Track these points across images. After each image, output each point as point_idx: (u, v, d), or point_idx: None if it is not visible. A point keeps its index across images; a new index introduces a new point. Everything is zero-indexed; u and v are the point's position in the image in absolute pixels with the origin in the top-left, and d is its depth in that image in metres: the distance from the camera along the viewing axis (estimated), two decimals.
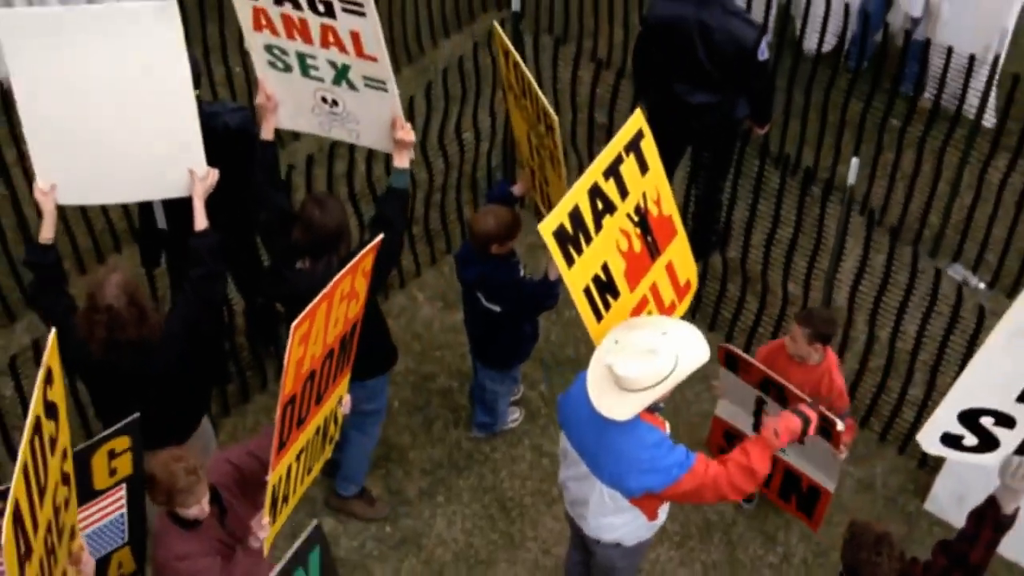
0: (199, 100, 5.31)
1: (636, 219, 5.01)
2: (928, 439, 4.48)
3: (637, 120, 4.97)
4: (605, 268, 4.90)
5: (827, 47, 7.99)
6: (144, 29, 5.05)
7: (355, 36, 5.22)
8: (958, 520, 4.83)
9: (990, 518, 4.55)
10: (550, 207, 5.56)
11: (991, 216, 7.34)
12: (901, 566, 4.69)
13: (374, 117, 5.54)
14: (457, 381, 7.01)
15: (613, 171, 4.87)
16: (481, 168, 7.66)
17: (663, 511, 5.07)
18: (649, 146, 5.02)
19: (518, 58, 5.61)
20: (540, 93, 5.49)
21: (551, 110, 5.47)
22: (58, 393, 4.03)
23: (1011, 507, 4.52)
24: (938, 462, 6.39)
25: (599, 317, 4.93)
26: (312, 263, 5.44)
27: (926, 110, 7.55)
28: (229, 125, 5.85)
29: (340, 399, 5.15)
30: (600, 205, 4.82)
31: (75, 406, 6.24)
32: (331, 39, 5.27)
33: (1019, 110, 7.20)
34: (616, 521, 5.01)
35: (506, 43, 5.69)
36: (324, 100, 5.59)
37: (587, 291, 4.85)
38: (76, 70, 5.08)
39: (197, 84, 5.35)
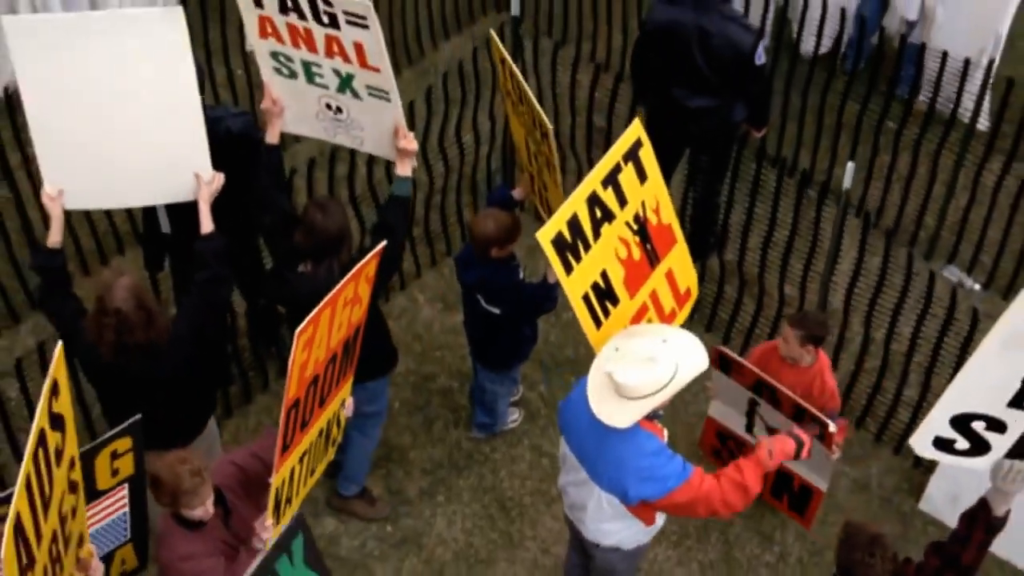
0: (202, 104, 5.38)
1: (635, 227, 5.06)
2: (920, 443, 4.55)
3: (635, 130, 5.03)
4: (604, 276, 4.95)
5: (824, 49, 8.06)
6: (150, 35, 5.12)
7: (358, 47, 5.28)
8: (952, 520, 4.87)
9: (982, 520, 4.60)
10: (550, 212, 5.64)
11: (986, 218, 7.41)
12: (894, 567, 4.73)
13: (377, 125, 5.61)
14: (457, 382, 7.06)
15: (611, 180, 4.92)
16: (481, 171, 7.72)
17: (660, 516, 5.12)
18: (648, 155, 5.08)
19: (513, 66, 5.68)
20: (534, 100, 5.55)
21: (545, 118, 5.53)
22: (64, 404, 4.07)
23: (1002, 509, 4.57)
24: (932, 463, 6.44)
25: (598, 324, 4.99)
26: (314, 266, 5.50)
27: (922, 112, 7.62)
28: (231, 129, 5.90)
29: (343, 402, 5.22)
30: (598, 213, 4.88)
31: (80, 406, 6.31)
32: (335, 49, 5.34)
33: (1013, 113, 7.26)
34: (614, 526, 5.05)
35: (502, 51, 5.75)
36: (329, 107, 5.66)
37: (586, 298, 4.90)
38: (83, 76, 5.14)
39: (201, 89, 5.42)
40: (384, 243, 4.84)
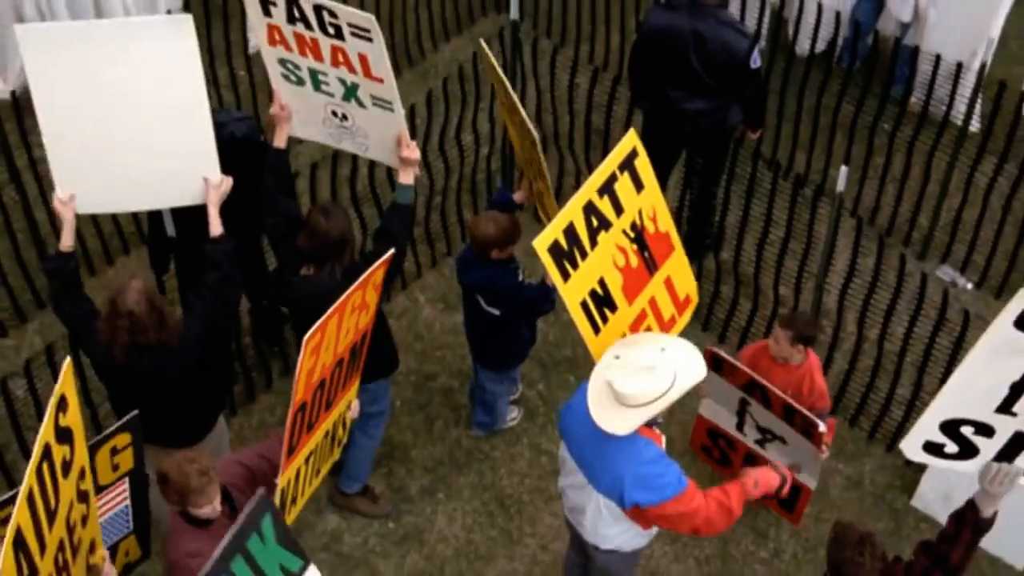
0: None
1: (632, 235, 5.15)
2: (911, 447, 4.66)
3: (631, 140, 5.12)
4: (602, 283, 5.04)
5: (819, 48, 8.14)
6: (161, 42, 5.24)
7: (363, 58, 5.39)
8: (944, 516, 4.95)
9: (970, 521, 4.69)
10: (548, 217, 5.74)
11: (978, 218, 7.51)
12: (884, 565, 4.81)
13: (381, 134, 5.72)
14: (457, 381, 7.15)
15: (607, 189, 5.01)
16: (481, 172, 7.81)
17: None
18: (643, 165, 5.16)
19: (502, 76, 5.76)
20: (522, 109, 5.65)
21: (532, 127, 5.63)
22: (73, 418, 4.14)
23: (990, 511, 4.67)
24: None
25: (597, 331, 5.08)
26: (316, 270, 5.59)
27: (916, 113, 7.71)
28: (236, 134, 6.01)
29: (349, 404, 5.32)
30: (595, 222, 4.97)
31: (87, 406, 6.40)
32: (341, 59, 5.44)
33: (1006, 115, 7.35)
34: (613, 530, 5.14)
35: (492, 62, 5.84)
36: (335, 114, 5.77)
37: (584, 305, 4.99)
38: (94, 82, 5.26)
39: None
40: (392, 251, 4.94)
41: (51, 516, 4.04)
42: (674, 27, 6.78)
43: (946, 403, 4.49)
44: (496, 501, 6.71)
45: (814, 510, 6.63)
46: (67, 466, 4.14)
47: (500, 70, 5.81)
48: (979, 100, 7.57)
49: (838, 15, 7.80)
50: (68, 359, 4.13)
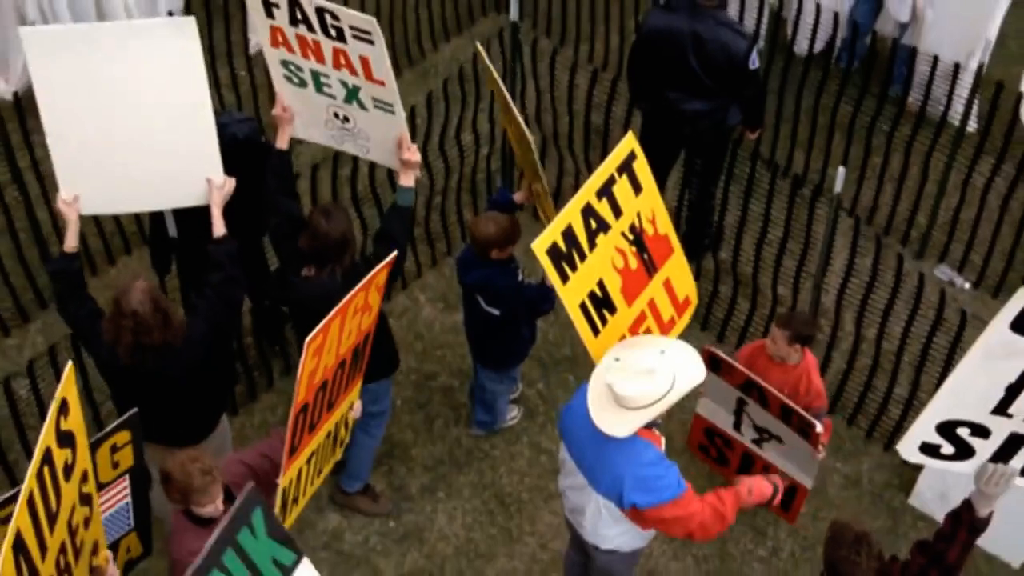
0: None
1: (631, 237, 5.19)
2: (908, 448, 4.71)
3: (628, 143, 5.16)
4: (601, 285, 5.08)
5: (818, 48, 8.17)
6: (164, 44, 5.28)
7: (364, 61, 5.43)
8: (941, 515, 5.00)
9: (966, 520, 4.73)
10: (547, 217, 5.77)
11: (976, 218, 7.55)
12: (880, 564, 4.85)
13: (382, 136, 5.76)
14: (458, 380, 7.19)
15: (606, 191, 5.05)
16: (481, 171, 7.84)
17: None
18: (642, 167, 5.20)
19: (498, 81, 5.79)
20: (518, 114, 5.69)
21: (526, 129, 5.68)
22: (75, 422, 4.17)
23: (985, 511, 4.71)
24: None
25: (596, 332, 5.11)
26: (317, 270, 5.63)
27: (913, 113, 7.75)
28: (237, 136, 6.04)
29: (351, 404, 5.36)
30: (593, 224, 5.00)
31: (89, 405, 6.43)
32: (342, 61, 5.48)
33: (1003, 115, 7.39)
34: (613, 531, 5.18)
35: (489, 67, 5.88)
36: (336, 116, 5.81)
37: (583, 307, 5.03)
38: (98, 84, 5.30)
39: None
40: (395, 254, 4.97)
41: (52, 519, 4.06)
42: (673, 28, 6.81)
43: (942, 405, 4.53)
44: (496, 499, 6.75)
45: (812, 508, 6.68)
46: (69, 469, 4.17)
47: (498, 77, 5.84)
48: (976, 100, 7.61)
49: (836, 16, 7.84)
50: (70, 363, 4.16)
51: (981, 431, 4.57)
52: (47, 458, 3.98)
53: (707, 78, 6.88)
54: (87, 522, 4.45)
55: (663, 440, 5.02)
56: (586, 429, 4.89)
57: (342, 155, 6.87)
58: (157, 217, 6.32)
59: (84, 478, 4.36)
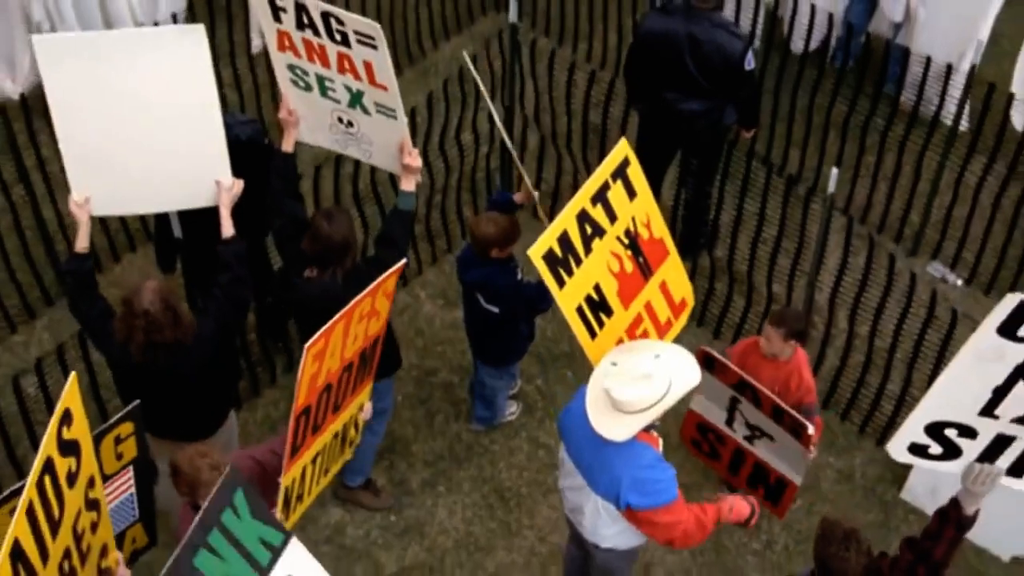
0: None
1: (626, 241, 5.28)
2: (897, 448, 4.81)
3: (622, 149, 5.25)
4: (597, 288, 5.17)
5: (814, 45, 8.26)
6: (174, 50, 5.40)
7: (368, 66, 5.52)
8: (932, 509, 5.08)
9: (953, 518, 4.82)
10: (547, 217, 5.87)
11: (968, 216, 7.64)
12: (869, 560, 4.95)
13: (385, 141, 5.86)
14: (458, 376, 7.28)
15: (600, 197, 5.15)
16: (480, 170, 7.93)
17: None
18: (636, 173, 5.29)
19: (486, 95, 5.88)
20: (499, 123, 5.85)
21: (509, 142, 5.88)
22: (79, 430, 4.23)
23: (972, 509, 4.80)
24: None
25: (593, 335, 5.21)
26: (319, 272, 5.72)
27: (907, 112, 7.84)
28: (240, 137, 6.13)
29: (361, 406, 5.44)
30: (589, 230, 5.10)
31: (95, 402, 6.55)
32: (347, 66, 5.58)
33: (995, 115, 7.48)
34: (611, 530, 5.27)
35: (474, 75, 5.97)
36: (340, 120, 5.90)
37: (580, 310, 5.12)
38: (109, 90, 5.41)
39: None
40: (403, 262, 5.07)
41: (55, 526, 4.11)
42: (670, 31, 6.91)
43: (931, 406, 4.63)
44: (495, 494, 6.85)
45: (805, 503, 6.79)
46: (73, 477, 4.22)
47: (486, 93, 5.95)
48: (968, 100, 7.70)
49: (831, 17, 7.93)
50: (73, 374, 4.23)
51: (968, 432, 4.67)
52: (48, 467, 4.03)
53: (703, 79, 6.98)
54: (94, 526, 4.52)
55: (660, 441, 5.11)
56: (585, 431, 4.98)
57: (344, 156, 6.98)
58: (162, 217, 6.42)
59: (91, 484, 4.42)
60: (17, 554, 3.90)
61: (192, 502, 4.99)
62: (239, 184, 5.70)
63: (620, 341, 5.38)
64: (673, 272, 5.60)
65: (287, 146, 5.93)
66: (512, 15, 7.09)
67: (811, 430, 5.42)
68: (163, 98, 5.45)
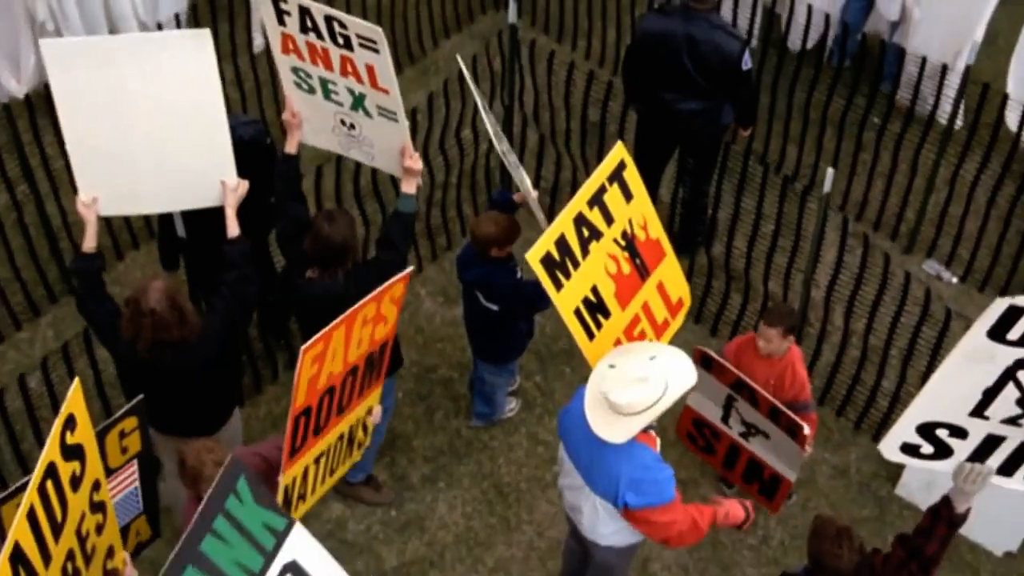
0: None
1: (623, 243, 5.35)
2: (889, 448, 4.89)
3: (618, 152, 5.32)
4: (595, 290, 5.23)
5: (811, 43, 8.32)
6: (180, 54, 5.49)
7: (370, 69, 5.59)
8: (926, 504, 5.17)
9: (944, 516, 4.90)
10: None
11: (963, 214, 7.71)
12: (861, 557, 5.03)
13: (386, 144, 5.93)
14: (457, 372, 7.35)
15: (597, 200, 5.21)
16: (480, 168, 7.99)
17: None
18: (632, 175, 5.36)
19: (478, 101, 5.94)
20: (491, 132, 5.90)
21: (499, 147, 5.89)
22: (83, 434, 4.29)
23: (963, 507, 4.88)
24: None
25: (591, 336, 5.27)
26: (319, 272, 5.79)
27: (903, 108, 7.90)
28: (243, 137, 6.18)
29: (369, 409, 5.50)
30: (586, 232, 5.17)
31: (100, 399, 6.62)
32: (349, 69, 5.64)
33: (989, 114, 7.55)
34: (609, 528, 5.33)
35: (471, 84, 6.06)
36: (343, 123, 5.97)
37: (577, 312, 5.18)
38: (117, 93, 5.49)
39: None
40: (411, 269, 5.13)
41: (57, 529, 4.17)
42: (668, 31, 6.97)
43: (922, 407, 4.71)
44: (495, 489, 6.91)
45: (801, 498, 6.86)
46: (77, 480, 4.27)
47: (479, 99, 6.01)
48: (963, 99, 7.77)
49: (827, 17, 7.99)
50: (76, 380, 4.29)
51: (959, 432, 4.75)
52: (50, 472, 4.09)
53: (701, 79, 7.04)
54: (100, 528, 4.58)
55: (658, 441, 5.18)
56: (584, 431, 5.04)
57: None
58: (165, 217, 6.49)
59: (96, 487, 4.48)
60: (18, 557, 3.95)
61: (196, 495, 5.05)
62: (244, 185, 5.77)
63: (618, 342, 5.44)
64: (670, 272, 5.66)
65: (290, 148, 6.00)
66: (512, 16, 7.15)
67: (807, 430, 5.49)
68: (169, 101, 5.53)
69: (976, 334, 4.44)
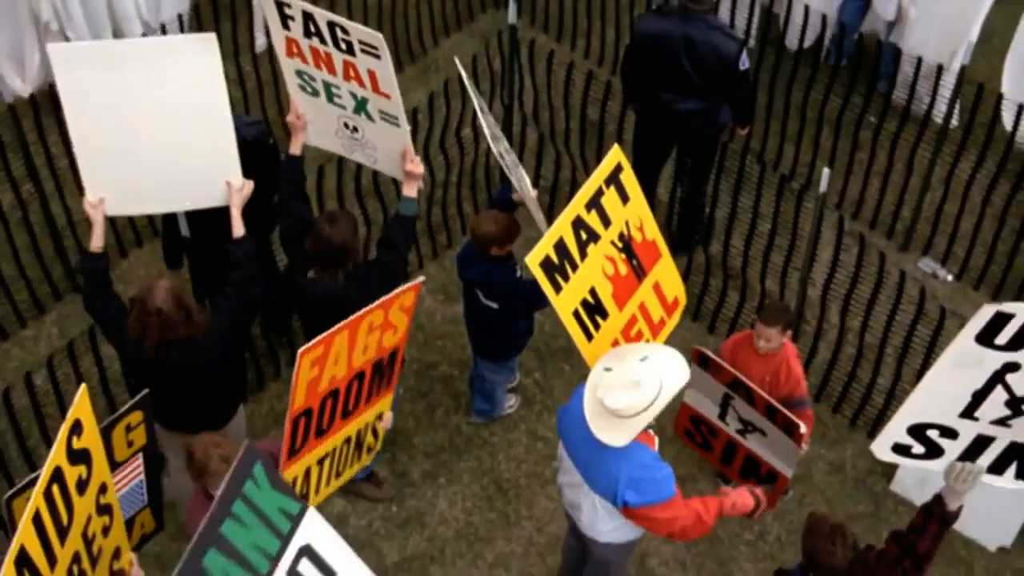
0: None
1: (620, 245, 5.41)
2: (881, 448, 4.97)
3: (615, 156, 5.38)
4: (593, 292, 5.30)
5: (808, 43, 8.38)
6: (186, 58, 5.56)
7: (372, 74, 5.66)
8: (920, 501, 5.24)
9: (937, 514, 4.98)
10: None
11: (959, 212, 7.77)
12: (855, 554, 5.12)
13: (388, 147, 6.00)
14: (458, 369, 7.41)
15: (595, 203, 5.28)
16: (480, 167, 8.05)
17: None
18: (628, 178, 5.42)
19: (475, 103, 6.01)
20: (487, 132, 5.92)
21: (494, 148, 5.91)
22: (90, 439, 4.35)
23: (955, 505, 4.96)
24: None
25: (590, 337, 5.34)
26: (321, 273, 5.86)
27: (899, 107, 7.96)
28: (246, 138, 6.24)
29: (380, 414, 5.56)
30: (584, 235, 5.23)
31: (105, 396, 6.69)
32: (352, 73, 5.71)
33: (985, 113, 7.61)
34: (608, 526, 5.40)
35: (467, 83, 6.12)
36: (346, 125, 6.04)
37: (576, 314, 5.25)
38: (123, 96, 5.56)
39: None
40: (422, 279, 5.21)
41: (63, 532, 4.22)
42: (666, 32, 7.04)
43: (914, 409, 4.79)
44: (495, 485, 6.97)
45: (798, 494, 6.93)
46: (83, 484, 4.33)
47: (476, 97, 6.07)
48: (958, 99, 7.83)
49: (824, 17, 8.05)
50: (83, 386, 4.35)
51: (949, 433, 4.83)
52: (56, 476, 4.15)
53: (699, 79, 7.11)
54: (106, 530, 4.64)
55: (656, 440, 5.24)
56: (583, 430, 5.09)
57: None
58: (169, 216, 6.56)
59: (103, 490, 4.54)
60: (23, 560, 4.01)
61: (203, 488, 5.16)
62: (249, 185, 5.84)
63: (616, 342, 5.51)
64: (666, 272, 5.73)
65: (295, 149, 6.07)
66: (511, 16, 7.20)
67: (803, 429, 5.56)
68: (175, 103, 5.61)
69: (965, 339, 4.51)
